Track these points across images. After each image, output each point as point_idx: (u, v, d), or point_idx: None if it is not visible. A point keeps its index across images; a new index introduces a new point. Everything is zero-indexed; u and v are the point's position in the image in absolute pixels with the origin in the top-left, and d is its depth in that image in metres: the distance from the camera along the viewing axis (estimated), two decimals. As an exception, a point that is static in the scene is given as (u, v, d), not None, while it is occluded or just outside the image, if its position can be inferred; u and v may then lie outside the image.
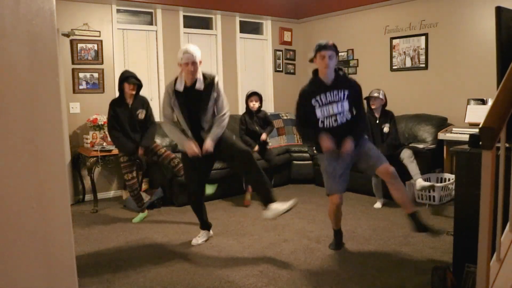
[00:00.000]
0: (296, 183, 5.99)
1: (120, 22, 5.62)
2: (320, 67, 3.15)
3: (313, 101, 3.18)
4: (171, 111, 3.47)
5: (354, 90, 3.24)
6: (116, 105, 4.25)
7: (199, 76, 3.39)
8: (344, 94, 3.18)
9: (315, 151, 3.50)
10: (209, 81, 3.39)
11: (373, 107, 4.72)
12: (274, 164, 5.18)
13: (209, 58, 6.30)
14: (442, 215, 4.35)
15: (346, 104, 3.19)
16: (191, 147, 3.36)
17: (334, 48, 3.14)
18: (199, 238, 3.75)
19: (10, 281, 1.11)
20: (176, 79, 3.44)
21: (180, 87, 3.39)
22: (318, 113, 3.19)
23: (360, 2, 6.09)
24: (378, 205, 4.81)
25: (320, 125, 3.20)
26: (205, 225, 3.78)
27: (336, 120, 3.19)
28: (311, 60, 3.24)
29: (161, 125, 3.75)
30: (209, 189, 4.10)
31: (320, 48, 3.11)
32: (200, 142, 3.43)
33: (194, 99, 3.40)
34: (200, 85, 3.38)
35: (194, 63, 3.30)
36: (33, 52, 1.11)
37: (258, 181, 3.40)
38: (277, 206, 3.30)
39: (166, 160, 4.46)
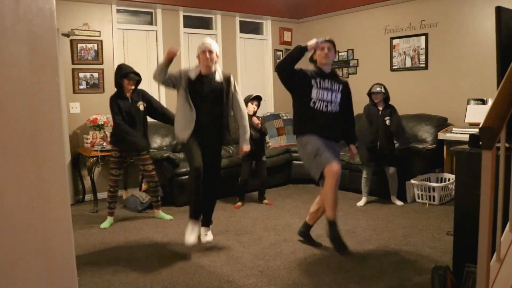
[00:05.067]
0: (296, 183, 5.99)
1: (120, 22, 5.62)
2: (319, 58, 3.40)
3: (312, 81, 3.33)
4: (175, 78, 3.40)
5: (347, 89, 3.49)
6: (118, 98, 4.15)
7: (218, 69, 3.52)
8: (339, 87, 3.42)
9: (297, 135, 3.44)
10: (227, 77, 3.54)
11: (376, 101, 4.76)
12: (264, 179, 5.10)
13: (209, 58, 6.30)
14: (442, 215, 4.35)
15: (339, 96, 3.40)
16: (172, 48, 3.31)
17: (332, 42, 3.43)
18: (192, 236, 3.46)
19: (10, 281, 1.11)
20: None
21: (192, 75, 3.45)
22: (314, 93, 3.32)
23: (360, 2, 6.09)
24: (361, 203, 4.82)
25: (312, 105, 3.33)
26: (198, 214, 3.54)
27: (326, 106, 3.34)
28: (311, 58, 3.49)
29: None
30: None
31: (320, 41, 3.39)
32: (201, 131, 3.45)
33: (210, 90, 3.46)
34: (219, 78, 3.50)
35: (210, 52, 3.42)
36: (33, 52, 1.11)
37: (210, 205, 3.69)
38: (207, 233, 3.68)
39: (148, 178, 4.43)
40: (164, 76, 3.36)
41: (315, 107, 3.32)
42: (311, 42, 3.32)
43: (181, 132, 3.46)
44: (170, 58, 3.30)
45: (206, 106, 3.45)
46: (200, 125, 3.45)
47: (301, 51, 3.30)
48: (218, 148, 3.65)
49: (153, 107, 4.31)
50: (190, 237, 3.42)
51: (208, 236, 3.65)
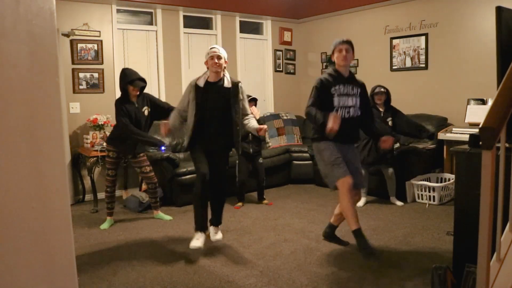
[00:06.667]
0: (296, 183, 5.99)
1: (120, 22, 5.62)
2: (338, 60, 3.35)
3: (332, 90, 3.30)
4: (186, 103, 3.55)
5: (364, 91, 3.46)
6: (125, 103, 4.10)
7: (226, 74, 3.54)
8: (357, 90, 3.39)
9: (314, 139, 3.42)
10: (235, 83, 3.54)
11: (379, 102, 4.77)
12: (263, 180, 5.08)
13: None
14: (442, 215, 4.35)
15: (358, 100, 3.38)
16: (164, 126, 3.60)
17: (350, 43, 3.38)
18: (198, 241, 3.48)
19: (10, 281, 1.11)
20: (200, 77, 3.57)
21: (201, 82, 3.49)
22: (336, 101, 3.29)
23: (360, 2, 6.09)
24: (361, 203, 4.78)
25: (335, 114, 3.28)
26: (204, 226, 3.58)
27: (348, 112, 3.32)
28: (329, 59, 3.36)
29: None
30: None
31: (338, 43, 3.35)
32: (208, 137, 3.49)
33: (218, 97, 3.48)
34: (228, 84, 3.51)
35: (219, 57, 3.45)
36: (33, 52, 1.11)
37: (219, 206, 3.72)
38: (217, 232, 3.70)
39: (146, 180, 4.40)
40: (181, 121, 3.62)
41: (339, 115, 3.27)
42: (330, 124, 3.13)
43: (185, 139, 3.58)
44: (167, 133, 3.64)
45: (214, 112, 3.48)
46: (208, 131, 3.49)
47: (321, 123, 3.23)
48: (225, 154, 3.67)
49: (160, 107, 4.22)
50: (195, 243, 3.42)
51: (217, 235, 3.68)
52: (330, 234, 3.67)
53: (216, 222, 3.71)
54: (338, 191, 3.25)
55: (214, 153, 3.54)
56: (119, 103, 4.12)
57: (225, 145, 3.61)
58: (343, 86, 3.32)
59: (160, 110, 4.24)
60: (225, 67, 3.51)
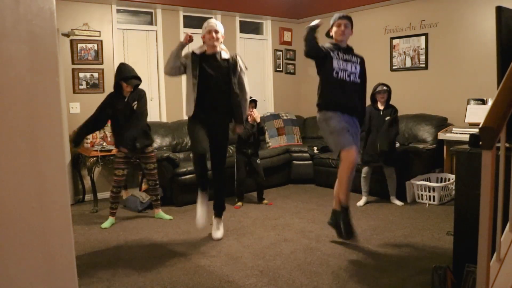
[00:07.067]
0: (296, 183, 5.99)
1: (120, 22, 5.62)
2: (336, 35, 3.45)
3: (331, 53, 3.36)
4: (182, 63, 3.55)
5: (363, 63, 3.52)
6: (115, 98, 4.12)
7: (223, 47, 3.58)
8: (357, 59, 3.46)
9: (319, 108, 3.43)
10: (233, 56, 3.59)
11: (382, 100, 4.76)
12: (262, 180, 5.05)
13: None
14: (442, 215, 4.35)
15: (358, 68, 3.44)
16: (186, 36, 3.57)
17: (350, 19, 3.46)
18: (218, 231, 3.78)
19: (10, 281, 1.11)
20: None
21: (197, 51, 3.53)
22: (335, 63, 3.35)
23: (360, 2, 6.09)
24: (361, 202, 4.80)
25: (334, 75, 3.35)
26: (205, 185, 3.64)
27: (349, 76, 3.37)
28: (328, 33, 3.52)
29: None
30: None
31: (338, 17, 3.44)
32: (207, 108, 3.51)
33: (216, 68, 3.51)
34: (225, 57, 3.55)
35: (216, 32, 3.49)
36: (33, 52, 1.11)
37: (219, 189, 3.79)
38: (219, 227, 3.82)
39: (148, 176, 4.38)
40: (178, 62, 3.52)
41: (338, 77, 3.34)
42: (314, 23, 3.36)
43: (187, 109, 3.56)
44: (185, 43, 3.53)
45: (212, 84, 3.50)
46: (206, 103, 3.50)
47: (312, 30, 3.33)
48: (225, 127, 3.67)
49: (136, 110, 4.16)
50: (199, 220, 3.59)
51: (219, 232, 3.77)
52: (335, 223, 3.62)
53: (219, 210, 3.78)
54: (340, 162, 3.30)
55: (213, 126, 3.55)
56: (106, 97, 4.16)
57: (224, 117, 3.62)
58: (342, 53, 3.39)
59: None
60: (221, 42, 3.55)
